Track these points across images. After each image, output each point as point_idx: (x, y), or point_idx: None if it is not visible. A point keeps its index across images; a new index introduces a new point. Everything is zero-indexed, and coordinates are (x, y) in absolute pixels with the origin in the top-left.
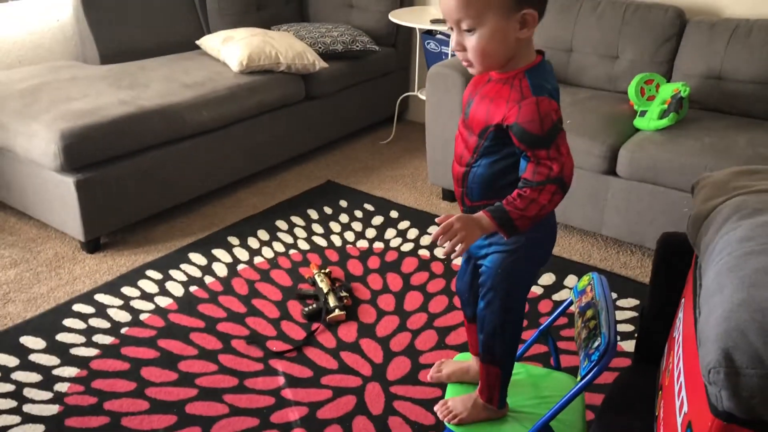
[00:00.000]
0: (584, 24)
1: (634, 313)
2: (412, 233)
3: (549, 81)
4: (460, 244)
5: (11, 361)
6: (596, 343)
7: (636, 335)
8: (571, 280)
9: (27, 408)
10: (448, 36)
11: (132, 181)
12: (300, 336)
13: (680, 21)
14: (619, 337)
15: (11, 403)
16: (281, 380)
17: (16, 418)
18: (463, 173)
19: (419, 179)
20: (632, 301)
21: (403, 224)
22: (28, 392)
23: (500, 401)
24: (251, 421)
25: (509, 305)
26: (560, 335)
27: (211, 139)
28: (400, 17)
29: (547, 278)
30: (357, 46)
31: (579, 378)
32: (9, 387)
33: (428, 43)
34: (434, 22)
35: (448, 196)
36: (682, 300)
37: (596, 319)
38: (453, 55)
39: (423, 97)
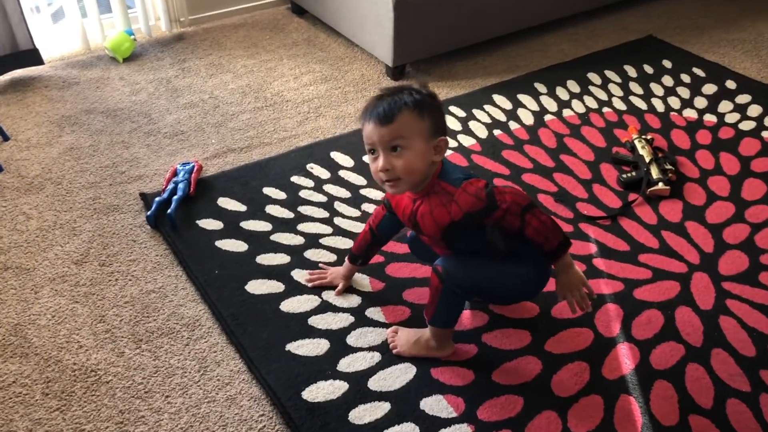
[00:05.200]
0: None
1: None
2: (755, 110)
3: (456, 171)
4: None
5: (324, 173)
6: None
7: None
8: None
9: (337, 221)
10: None
11: (444, 8)
12: (615, 204)
13: None
14: None
15: (324, 213)
16: (593, 248)
17: (329, 229)
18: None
19: (765, 47)
20: None
21: (743, 98)
22: (338, 206)
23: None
24: None
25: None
26: None
27: None
28: None
29: None
30: None
31: None
32: (322, 198)
33: None
34: None
35: None
36: None
37: None
38: None
39: None
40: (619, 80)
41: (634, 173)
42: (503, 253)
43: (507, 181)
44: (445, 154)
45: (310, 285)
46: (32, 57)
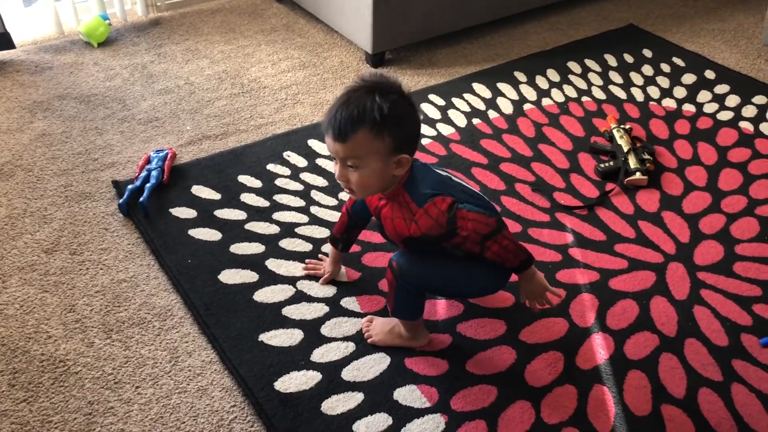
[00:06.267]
0: None
1: None
2: (732, 100)
3: (424, 183)
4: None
5: (301, 161)
6: None
7: None
8: None
9: (314, 210)
10: None
11: None
12: (592, 193)
13: None
14: None
15: (300, 202)
16: (569, 237)
17: (305, 218)
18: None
19: (743, 37)
20: None
21: (721, 88)
22: (314, 194)
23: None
24: None
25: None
26: None
27: None
28: None
29: None
30: None
31: None
32: (298, 186)
33: None
34: None
35: None
36: None
37: None
38: None
39: None
40: (599, 69)
41: (611, 163)
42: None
43: (486, 171)
44: (424, 143)
45: (304, 273)
46: (3, 41)
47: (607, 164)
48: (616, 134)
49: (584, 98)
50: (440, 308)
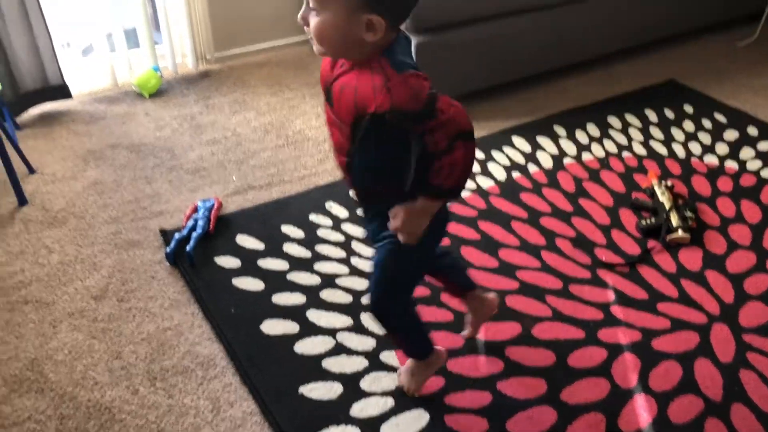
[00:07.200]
0: None
1: None
2: None
3: (406, 55)
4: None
5: (342, 212)
6: None
7: None
8: None
9: (354, 261)
10: None
11: (466, 50)
12: (633, 250)
13: None
14: None
15: (341, 253)
16: (611, 295)
17: (345, 269)
18: (346, 163)
19: None
20: None
21: (765, 145)
22: (355, 245)
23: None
24: (575, 332)
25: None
26: None
27: (549, 16)
28: None
29: None
30: None
31: None
32: (340, 237)
33: None
34: None
35: None
36: None
37: None
38: None
39: None
40: (639, 125)
41: (653, 219)
42: (403, 183)
43: (526, 225)
44: (464, 196)
45: None
46: (61, 92)
47: (648, 221)
48: (658, 190)
49: (625, 153)
50: (480, 365)
